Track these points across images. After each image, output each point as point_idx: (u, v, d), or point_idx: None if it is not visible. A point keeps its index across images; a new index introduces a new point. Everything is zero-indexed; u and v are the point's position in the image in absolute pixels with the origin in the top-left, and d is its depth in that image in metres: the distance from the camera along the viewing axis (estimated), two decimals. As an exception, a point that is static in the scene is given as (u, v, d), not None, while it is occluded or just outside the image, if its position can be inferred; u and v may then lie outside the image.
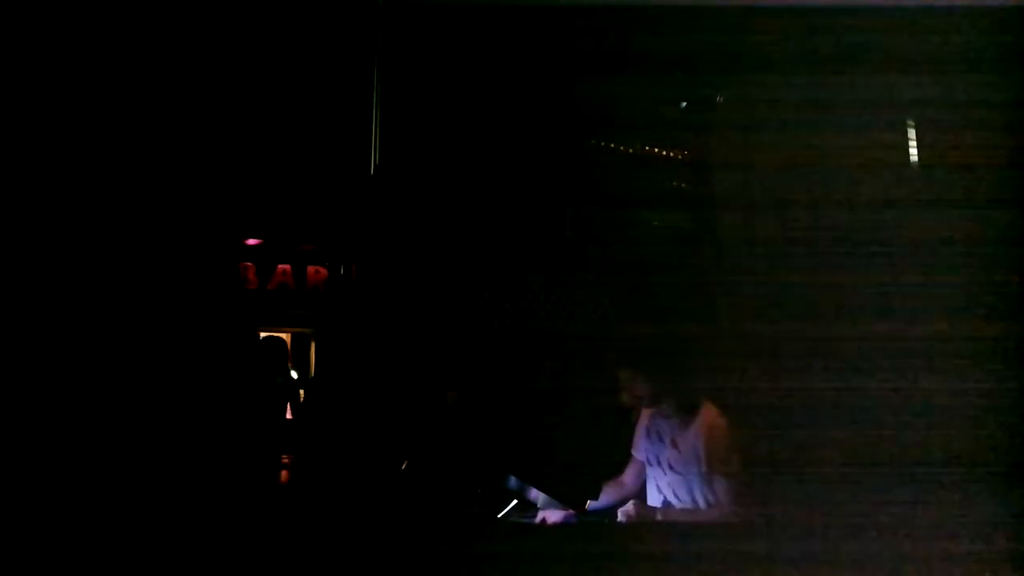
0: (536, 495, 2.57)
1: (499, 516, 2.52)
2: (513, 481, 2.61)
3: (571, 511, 2.42)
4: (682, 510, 2.31)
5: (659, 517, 2.31)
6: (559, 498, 2.53)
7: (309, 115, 5.98)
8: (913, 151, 3.53)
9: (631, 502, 2.34)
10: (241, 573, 1.54)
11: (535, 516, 2.53)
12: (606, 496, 2.55)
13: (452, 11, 5.06)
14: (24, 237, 4.69)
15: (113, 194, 5.35)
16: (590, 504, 2.54)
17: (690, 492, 2.29)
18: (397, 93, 5.89)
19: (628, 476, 2.58)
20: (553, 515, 2.43)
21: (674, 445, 2.36)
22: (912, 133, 3.56)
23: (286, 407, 5.24)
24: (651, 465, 2.46)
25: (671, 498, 2.35)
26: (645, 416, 2.55)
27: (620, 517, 2.32)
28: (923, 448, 2.56)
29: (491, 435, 3.66)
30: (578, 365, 4.62)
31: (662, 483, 2.39)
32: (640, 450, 2.53)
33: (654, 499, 2.43)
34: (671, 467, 2.36)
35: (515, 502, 2.54)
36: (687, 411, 2.36)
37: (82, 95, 5.09)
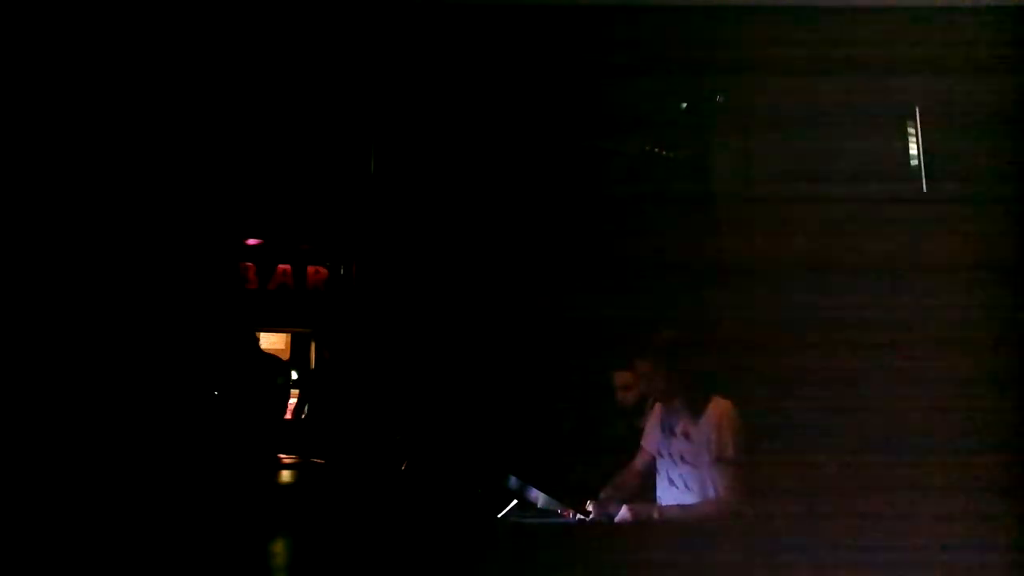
0: (536, 495, 2.58)
1: (499, 516, 2.52)
2: (513, 481, 2.61)
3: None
4: (689, 505, 2.33)
5: (656, 516, 2.33)
6: (559, 498, 2.54)
7: (309, 115, 5.98)
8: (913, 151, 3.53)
9: (626, 507, 2.35)
10: (240, 573, 1.54)
11: (534, 516, 2.53)
12: (617, 490, 2.56)
13: (452, 11, 5.06)
14: (25, 236, 4.68)
15: (114, 194, 5.35)
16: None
17: (702, 484, 2.33)
18: (397, 93, 5.89)
19: (636, 462, 2.63)
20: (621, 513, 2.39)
21: (686, 437, 2.41)
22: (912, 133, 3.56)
23: (285, 407, 5.23)
24: (662, 457, 2.50)
25: (683, 490, 2.39)
26: (656, 410, 2.60)
27: (622, 517, 2.32)
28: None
29: (491, 435, 3.67)
30: (580, 364, 4.62)
31: (674, 475, 2.43)
32: (650, 443, 2.57)
33: (666, 491, 2.47)
34: (683, 459, 2.40)
35: (515, 502, 2.54)
36: (698, 405, 2.40)
37: (84, 96, 5.09)
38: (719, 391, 2.41)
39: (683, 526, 2.29)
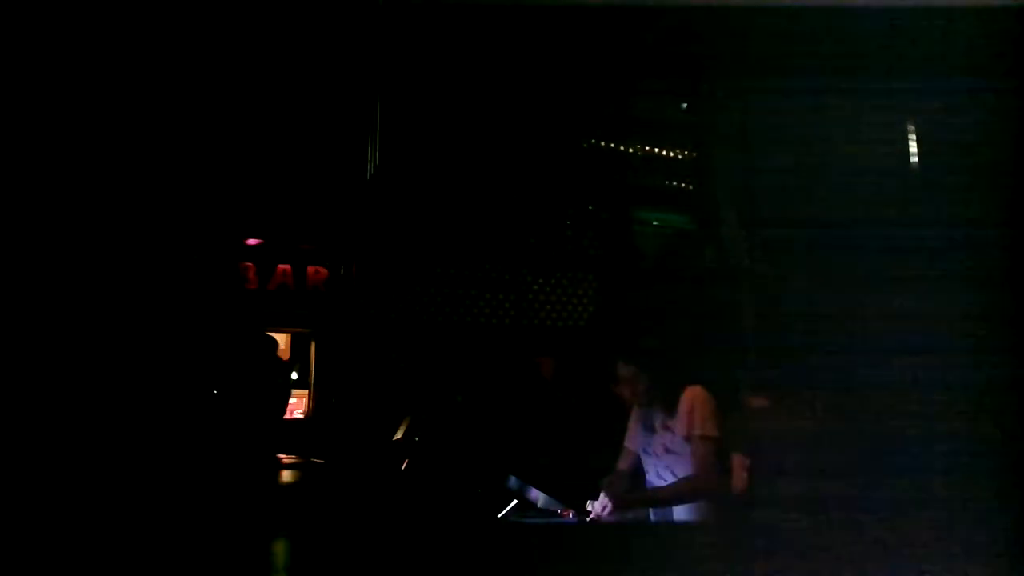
0: (536, 495, 2.59)
1: (499, 516, 2.53)
2: (513, 481, 2.62)
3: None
4: (674, 482, 2.41)
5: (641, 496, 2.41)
6: (559, 498, 2.55)
7: (309, 115, 5.99)
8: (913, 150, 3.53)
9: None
10: (240, 573, 1.54)
11: (535, 516, 2.54)
12: (610, 490, 2.58)
13: (452, 11, 5.07)
14: (25, 236, 4.69)
15: (115, 195, 5.35)
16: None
17: (687, 469, 2.41)
18: (396, 93, 5.89)
19: (621, 463, 2.67)
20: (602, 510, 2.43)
21: (667, 428, 2.48)
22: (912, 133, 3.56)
23: (285, 407, 5.23)
24: (648, 455, 2.56)
25: (670, 479, 2.46)
26: (637, 410, 2.64)
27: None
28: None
29: (492, 435, 3.67)
30: (577, 364, 4.62)
31: (661, 468, 2.49)
32: (634, 442, 2.62)
33: (655, 484, 2.51)
34: (667, 450, 2.47)
35: (515, 502, 2.54)
36: (673, 398, 2.47)
37: (85, 97, 5.09)
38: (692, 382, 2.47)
39: (683, 526, 2.31)
